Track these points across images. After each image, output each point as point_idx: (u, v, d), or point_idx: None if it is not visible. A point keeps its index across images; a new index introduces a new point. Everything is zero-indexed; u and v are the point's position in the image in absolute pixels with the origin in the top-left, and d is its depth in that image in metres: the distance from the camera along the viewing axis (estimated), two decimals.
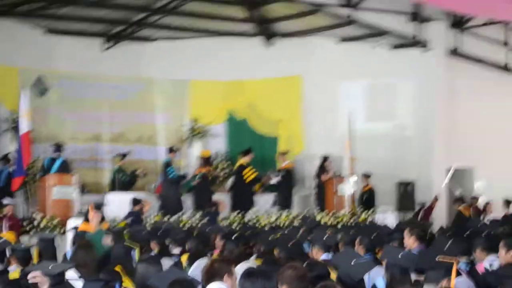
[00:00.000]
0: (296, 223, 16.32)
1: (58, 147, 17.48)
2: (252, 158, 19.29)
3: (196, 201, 18.21)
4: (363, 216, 17.86)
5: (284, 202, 18.73)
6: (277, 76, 21.50)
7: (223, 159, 21.50)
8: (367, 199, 19.68)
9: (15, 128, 17.75)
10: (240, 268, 6.24)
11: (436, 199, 19.66)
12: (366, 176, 19.92)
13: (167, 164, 18.30)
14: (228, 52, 21.56)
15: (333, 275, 6.48)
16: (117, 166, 18.42)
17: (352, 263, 6.01)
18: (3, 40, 18.91)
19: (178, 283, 5.39)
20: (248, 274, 5.43)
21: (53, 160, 16.93)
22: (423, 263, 6.40)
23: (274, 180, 19.07)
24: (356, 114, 19.74)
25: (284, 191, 19.18)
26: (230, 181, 19.89)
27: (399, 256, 6.33)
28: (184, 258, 9.49)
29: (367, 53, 21.13)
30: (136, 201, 16.13)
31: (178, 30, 21.54)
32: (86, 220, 11.57)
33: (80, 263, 7.53)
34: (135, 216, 15.83)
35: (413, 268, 6.50)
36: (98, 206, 11.27)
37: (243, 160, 19.03)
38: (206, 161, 19.68)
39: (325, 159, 19.31)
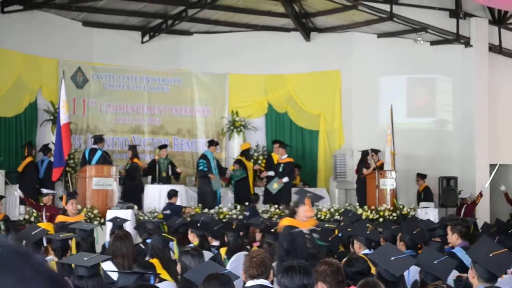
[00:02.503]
0: (337, 217, 16.18)
1: (99, 139, 17.54)
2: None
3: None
4: (404, 211, 17.73)
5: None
6: (316, 70, 21.35)
7: (263, 152, 21.37)
8: (425, 196, 19.60)
9: (55, 119, 17.79)
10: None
11: (480, 195, 19.32)
12: (422, 177, 19.90)
13: (201, 157, 18.55)
14: (267, 46, 21.41)
15: (374, 271, 6.33)
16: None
17: (392, 259, 5.82)
18: (43, 32, 18.96)
19: (214, 277, 5.26)
20: (287, 269, 5.27)
21: (93, 151, 16.96)
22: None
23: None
24: (396, 109, 19.55)
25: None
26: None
27: (435, 262, 6.10)
28: (223, 251, 9.38)
29: (407, 49, 20.95)
30: (173, 193, 16.14)
31: (216, 24, 21.41)
32: (291, 215, 8.90)
33: (117, 254, 7.46)
34: (174, 208, 15.83)
35: (447, 277, 6.24)
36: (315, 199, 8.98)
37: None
38: (244, 153, 19.66)
39: (365, 153, 19.12)
